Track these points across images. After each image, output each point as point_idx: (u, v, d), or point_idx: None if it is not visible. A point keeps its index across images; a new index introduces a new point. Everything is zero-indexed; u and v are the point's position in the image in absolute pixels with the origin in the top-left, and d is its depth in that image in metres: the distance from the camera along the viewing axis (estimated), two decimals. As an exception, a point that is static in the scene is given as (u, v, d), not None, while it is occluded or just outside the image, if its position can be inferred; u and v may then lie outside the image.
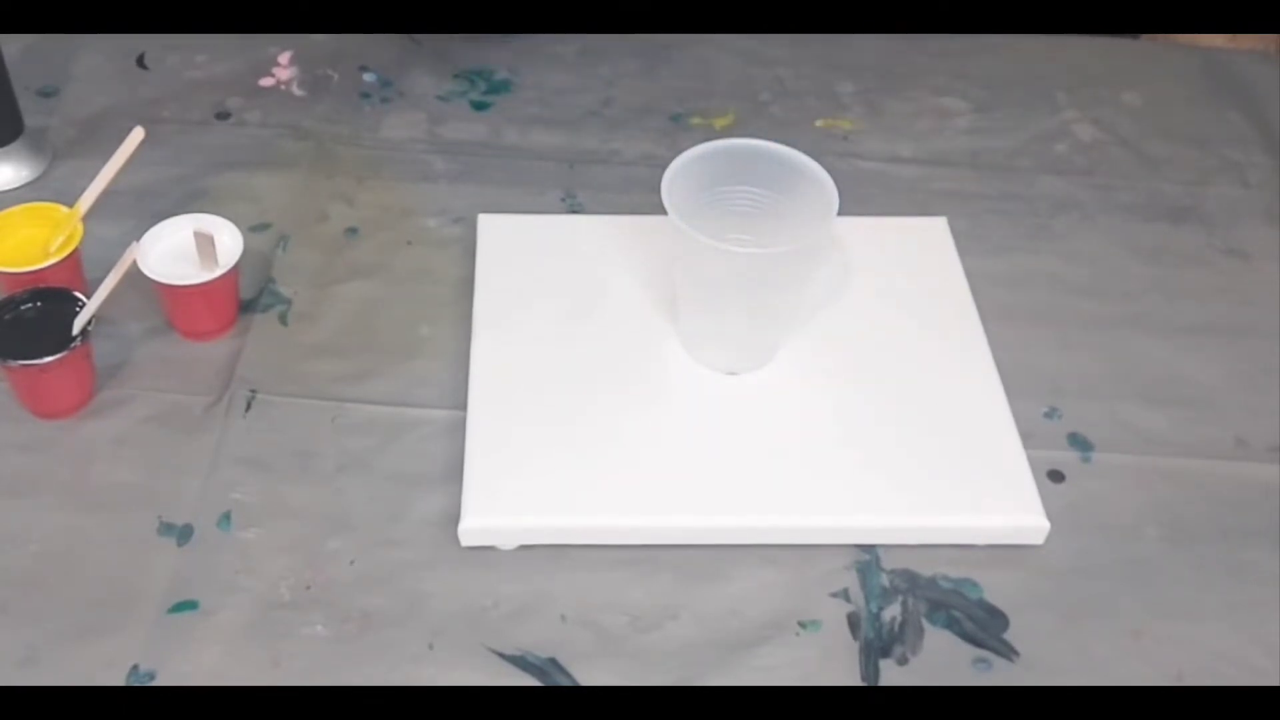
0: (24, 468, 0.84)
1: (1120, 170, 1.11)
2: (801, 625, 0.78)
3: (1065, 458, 0.88)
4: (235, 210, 0.95)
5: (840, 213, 0.82)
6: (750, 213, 0.87)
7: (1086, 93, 1.19)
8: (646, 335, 0.91)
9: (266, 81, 1.15)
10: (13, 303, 0.85)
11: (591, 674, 0.75)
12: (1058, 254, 1.03)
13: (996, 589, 0.80)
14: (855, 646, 0.77)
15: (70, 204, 0.91)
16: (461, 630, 0.77)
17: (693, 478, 0.82)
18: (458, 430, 0.85)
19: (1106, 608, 0.80)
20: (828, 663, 0.77)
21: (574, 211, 1.04)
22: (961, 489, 0.82)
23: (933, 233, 1.00)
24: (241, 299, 0.94)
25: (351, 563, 0.80)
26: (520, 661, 0.76)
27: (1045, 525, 0.82)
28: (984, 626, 0.79)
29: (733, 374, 0.89)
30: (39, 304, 0.86)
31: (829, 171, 0.84)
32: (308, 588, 0.79)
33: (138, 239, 0.89)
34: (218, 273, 0.89)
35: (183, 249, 0.90)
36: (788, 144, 0.86)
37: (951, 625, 0.79)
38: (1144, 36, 1.25)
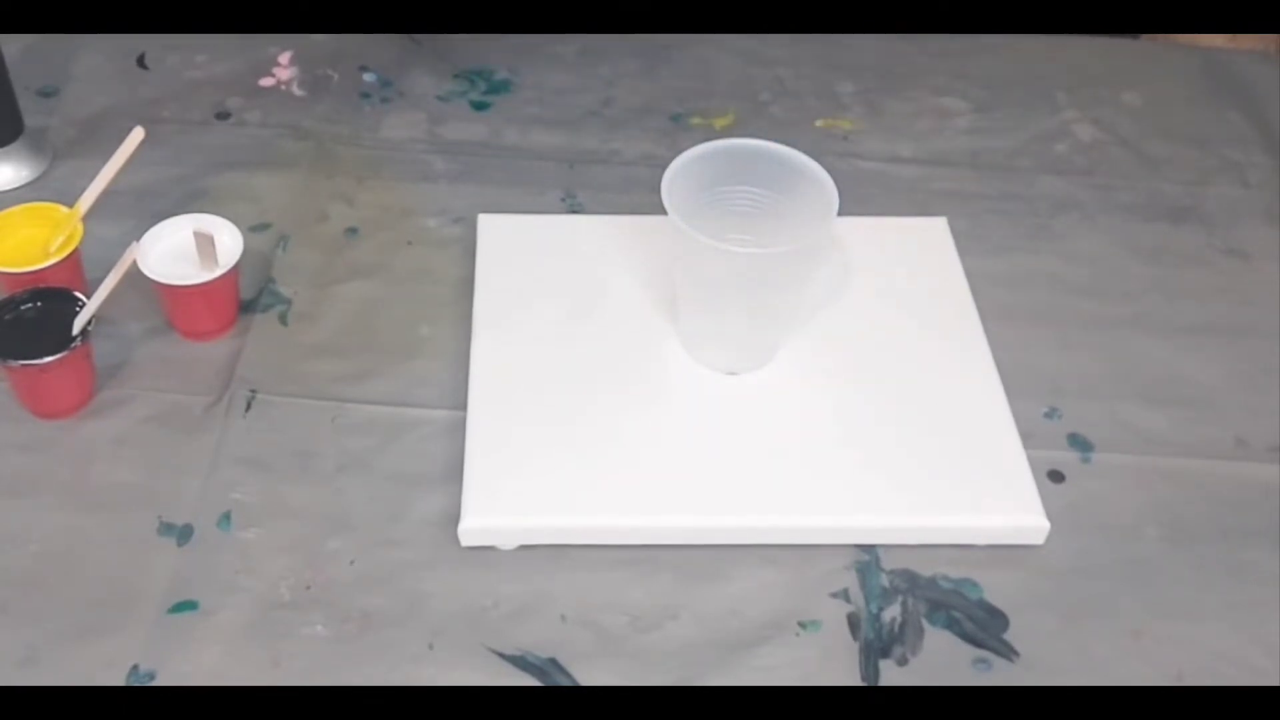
0: (24, 468, 0.84)
1: (1120, 170, 1.11)
2: (801, 625, 0.78)
3: (1065, 458, 0.88)
4: (235, 210, 0.95)
5: (840, 213, 0.82)
6: (750, 213, 0.87)
7: (1086, 93, 1.19)
8: (646, 335, 0.91)
9: (266, 81, 1.15)
10: (13, 303, 0.85)
11: (591, 674, 0.75)
12: (1058, 254, 1.03)
13: (996, 589, 0.80)
14: (855, 647, 0.77)
15: (70, 204, 0.91)
16: (461, 630, 0.77)
17: (693, 478, 0.82)
18: (458, 430, 0.85)
19: (1106, 608, 0.80)
20: (828, 663, 0.77)
21: (574, 211, 1.04)
22: (961, 489, 0.82)
23: (933, 233, 1.00)
24: (241, 299, 0.94)
25: (351, 563, 0.80)
26: (520, 661, 0.76)
27: (1045, 525, 0.82)
28: (984, 627, 0.79)
29: (733, 374, 0.89)
30: (39, 304, 0.86)
31: (829, 171, 0.84)
32: (308, 588, 0.79)
33: (138, 239, 0.89)
34: (218, 273, 0.89)
35: (183, 249, 0.90)
36: (788, 144, 0.86)
37: (951, 625, 0.79)
38: (1144, 36, 1.25)
